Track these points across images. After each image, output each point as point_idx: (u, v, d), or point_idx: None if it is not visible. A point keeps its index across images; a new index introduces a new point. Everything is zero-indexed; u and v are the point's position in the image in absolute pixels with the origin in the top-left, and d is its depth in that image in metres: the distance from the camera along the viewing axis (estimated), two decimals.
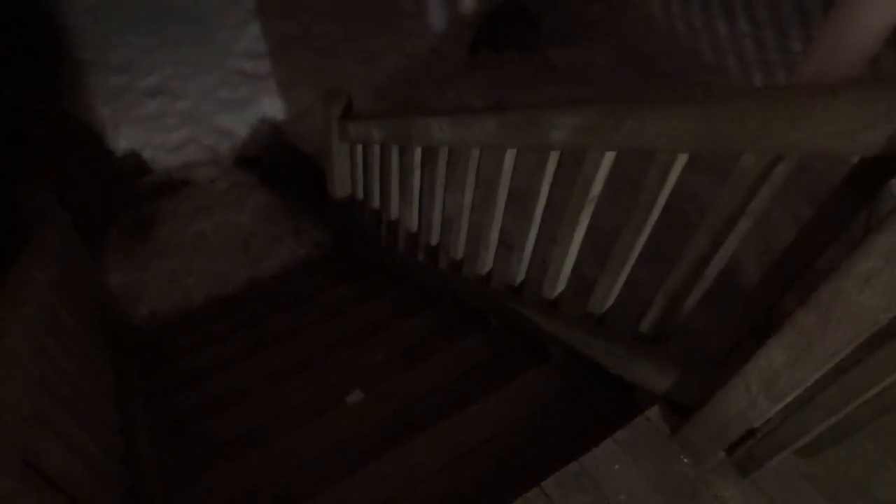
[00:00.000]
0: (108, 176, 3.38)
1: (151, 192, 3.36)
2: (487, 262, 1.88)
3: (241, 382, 2.00)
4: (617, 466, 1.24)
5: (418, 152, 1.94)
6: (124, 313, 2.73)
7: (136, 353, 2.25)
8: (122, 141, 3.53)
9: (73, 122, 3.52)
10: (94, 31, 3.86)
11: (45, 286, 1.44)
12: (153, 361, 2.26)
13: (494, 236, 1.76)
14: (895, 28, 1.12)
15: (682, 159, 1.07)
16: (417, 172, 2.02)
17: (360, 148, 2.40)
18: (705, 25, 4.45)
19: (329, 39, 4.19)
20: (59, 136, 3.41)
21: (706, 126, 0.96)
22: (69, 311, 1.59)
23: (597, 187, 1.30)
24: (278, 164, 3.58)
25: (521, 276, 1.74)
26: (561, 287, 1.59)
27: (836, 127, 0.78)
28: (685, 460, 1.24)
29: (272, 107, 3.86)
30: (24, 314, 1.19)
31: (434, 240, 2.14)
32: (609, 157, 1.21)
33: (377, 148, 2.24)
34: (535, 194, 1.48)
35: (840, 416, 0.99)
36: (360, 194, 2.63)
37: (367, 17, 4.36)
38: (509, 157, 1.51)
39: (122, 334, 2.25)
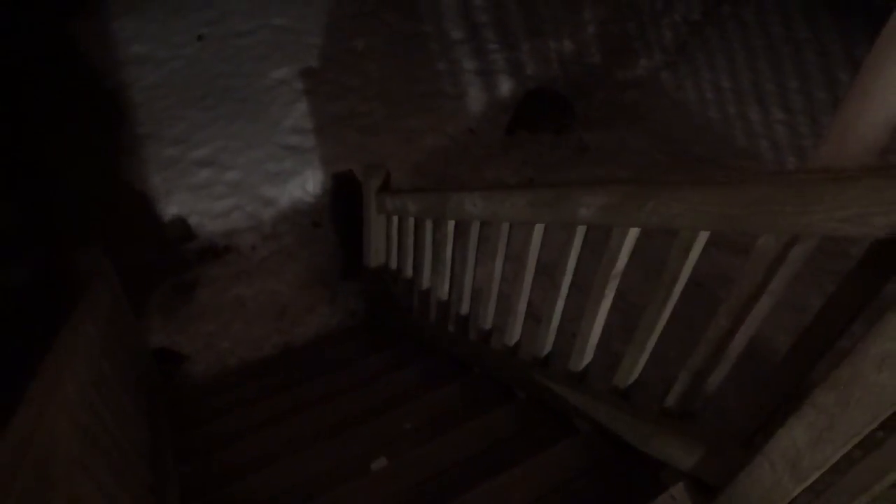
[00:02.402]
0: (157, 240, 3.54)
1: (196, 257, 3.50)
2: (515, 334, 1.91)
3: (270, 446, 2.02)
4: None
5: (451, 225, 2.02)
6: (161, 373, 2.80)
7: (170, 412, 2.30)
8: (172, 207, 3.71)
9: (128, 189, 3.73)
10: (153, 107, 4.13)
11: (93, 340, 1.51)
12: (186, 421, 2.30)
13: (522, 308, 1.80)
14: None
15: (702, 238, 1.11)
16: (450, 245, 2.09)
17: (395, 220, 2.50)
18: (738, 113, 4.55)
19: (372, 118, 4.40)
20: (114, 201, 3.61)
21: (725, 208, 1.01)
22: (112, 365, 1.66)
23: (621, 263, 1.34)
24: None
25: (548, 348, 1.76)
26: (587, 360, 1.60)
27: (847, 212, 0.82)
28: None
29: (315, 179, 4.03)
30: (76, 366, 1.26)
31: (464, 310, 2.18)
32: (633, 234, 1.26)
33: (412, 220, 2.33)
34: (563, 268, 1.53)
35: (867, 499, 0.98)
36: (393, 264, 2.71)
37: (409, 99, 4.57)
38: (538, 231, 1.57)
39: (157, 393, 2.31)
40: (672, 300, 1.25)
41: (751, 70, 4.74)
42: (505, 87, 4.74)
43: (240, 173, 3.95)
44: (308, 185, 3.97)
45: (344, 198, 3.76)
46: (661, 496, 1.31)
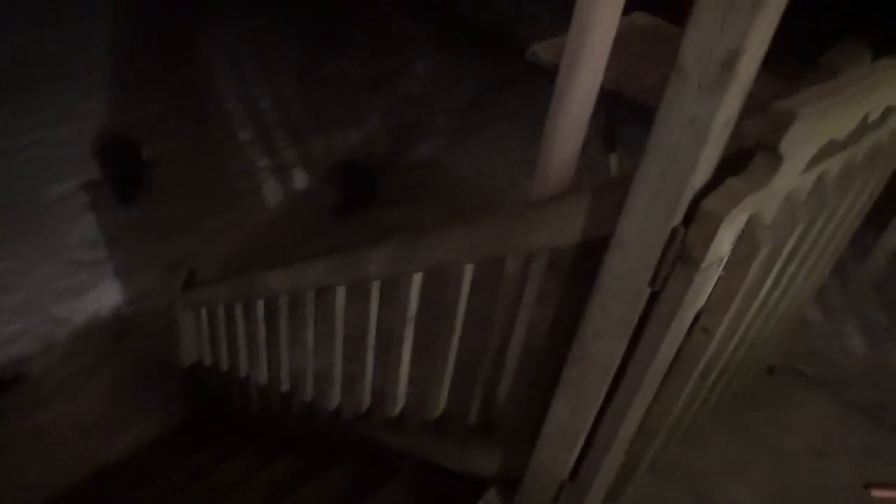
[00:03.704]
0: None
1: None
2: (335, 398, 2.03)
3: None
4: None
5: (261, 305, 2.13)
6: None
7: None
8: None
9: None
10: None
11: None
12: None
13: (338, 370, 1.95)
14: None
15: (468, 269, 1.36)
16: (262, 325, 2.19)
17: (205, 312, 2.53)
18: (512, 182, 5.16)
19: (169, 223, 4.35)
20: None
21: (475, 240, 1.27)
22: None
23: (412, 307, 1.56)
24: None
25: (366, 403, 1.91)
26: (401, 404, 1.78)
27: (551, 228, 1.11)
28: None
29: (111, 292, 3.87)
30: None
31: (284, 388, 2.26)
32: (417, 278, 1.49)
33: (222, 309, 2.39)
34: (367, 322, 1.71)
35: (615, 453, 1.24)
36: (208, 359, 2.70)
37: (206, 200, 4.59)
38: (340, 294, 1.75)
39: None
40: (457, 330, 1.48)
41: (517, 144, 5.44)
42: (299, 179, 4.96)
43: (25, 296, 3.69)
44: (105, 297, 3.80)
45: None
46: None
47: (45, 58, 5.58)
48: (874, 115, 1.13)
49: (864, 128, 1.13)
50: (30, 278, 3.77)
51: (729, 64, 0.78)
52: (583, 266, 1.18)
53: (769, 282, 1.14)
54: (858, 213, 1.49)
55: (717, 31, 0.77)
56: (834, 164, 1.14)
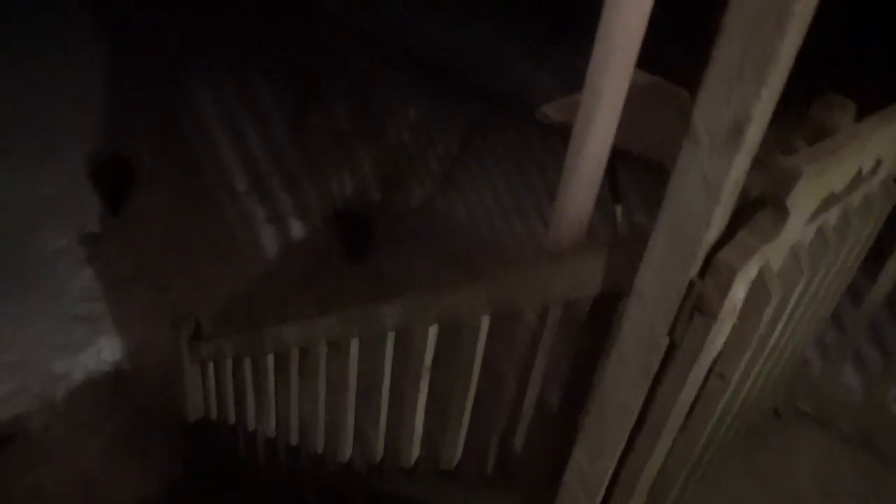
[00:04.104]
0: None
1: None
2: (347, 449, 2.04)
3: None
4: None
5: (271, 358, 2.14)
6: None
7: None
8: None
9: None
10: None
11: None
12: None
13: (350, 421, 1.96)
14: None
15: (485, 321, 1.40)
16: (272, 378, 2.20)
17: (211, 366, 2.54)
18: (506, 227, 5.25)
19: (166, 275, 4.36)
20: None
21: (493, 294, 1.31)
22: None
23: (428, 357, 1.59)
24: None
25: (380, 454, 1.92)
26: (416, 454, 1.79)
27: (570, 281, 1.16)
28: None
29: (110, 346, 3.85)
30: None
31: (293, 440, 2.26)
32: (433, 330, 1.53)
33: (230, 363, 2.40)
34: (381, 373, 1.74)
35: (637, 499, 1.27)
36: (214, 414, 2.70)
37: (202, 251, 4.62)
38: (354, 345, 1.78)
39: None
40: (474, 380, 1.52)
41: (507, 188, 5.54)
42: (295, 228, 5.00)
43: (21, 353, 3.67)
44: (104, 352, 3.79)
45: None
46: None
47: (36, 113, 5.63)
48: (867, 168, 1.20)
49: (858, 180, 1.20)
50: (27, 334, 3.75)
51: (737, 130, 0.85)
52: (600, 316, 1.23)
53: (779, 327, 1.19)
54: (856, 259, 1.55)
55: (726, 102, 0.83)
56: (832, 215, 1.21)
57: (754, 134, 0.87)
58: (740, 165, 0.89)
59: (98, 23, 6.82)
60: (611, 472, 1.24)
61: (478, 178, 5.64)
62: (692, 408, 1.17)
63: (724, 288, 0.95)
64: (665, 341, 1.03)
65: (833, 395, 1.99)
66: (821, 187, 1.06)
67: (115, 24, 6.79)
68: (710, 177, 0.89)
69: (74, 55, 6.41)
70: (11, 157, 5.09)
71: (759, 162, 1.05)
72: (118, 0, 7.20)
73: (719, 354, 1.09)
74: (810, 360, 2.20)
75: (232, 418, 2.57)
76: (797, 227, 1.05)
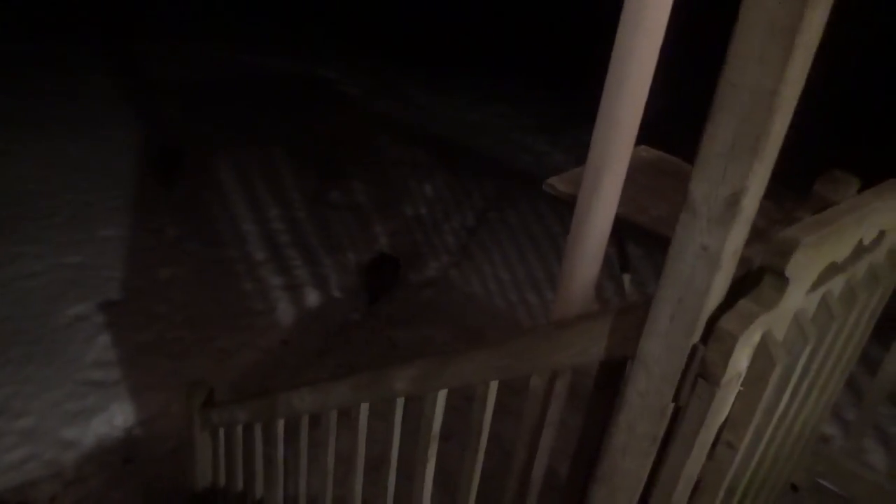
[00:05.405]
0: None
1: None
2: None
3: None
4: None
5: (281, 424, 2.14)
6: None
7: None
8: None
9: None
10: None
11: None
12: None
13: (358, 490, 1.94)
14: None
15: (493, 386, 1.41)
16: (281, 445, 2.19)
17: (222, 433, 2.53)
18: (520, 299, 5.26)
19: (182, 343, 4.40)
20: None
21: (502, 360, 1.33)
22: None
23: (437, 424, 1.59)
24: None
25: None
26: None
27: (576, 348, 1.18)
28: None
29: (121, 414, 3.85)
30: None
31: None
32: (442, 395, 1.54)
33: (240, 429, 2.40)
34: (390, 439, 1.74)
35: None
36: (222, 481, 2.67)
37: (219, 320, 4.67)
38: (364, 410, 1.79)
39: None
40: (482, 446, 1.51)
41: (521, 261, 5.60)
42: (311, 298, 5.05)
43: (34, 419, 3.67)
44: (116, 419, 3.78)
45: None
46: None
47: (60, 187, 5.85)
48: (868, 239, 1.23)
49: (861, 250, 1.22)
50: (39, 401, 3.77)
51: (734, 201, 0.88)
52: (606, 382, 1.24)
53: (786, 396, 1.19)
54: (865, 328, 1.56)
55: (721, 175, 0.88)
56: (837, 284, 1.23)
57: (751, 203, 0.91)
58: (738, 234, 0.93)
59: (131, 107, 7.19)
60: None
61: (492, 252, 5.72)
62: (702, 478, 1.16)
63: (727, 354, 0.96)
64: (671, 407, 1.04)
65: (854, 471, 1.94)
66: (821, 257, 1.09)
67: (146, 108, 7.15)
68: (709, 245, 0.93)
69: (106, 136, 6.74)
70: (45, 229, 5.28)
71: (762, 234, 1.09)
72: (149, 88, 7.61)
73: (726, 422, 1.09)
74: (829, 434, 2.15)
75: (240, 486, 2.55)
76: (798, 296, 1.08)
